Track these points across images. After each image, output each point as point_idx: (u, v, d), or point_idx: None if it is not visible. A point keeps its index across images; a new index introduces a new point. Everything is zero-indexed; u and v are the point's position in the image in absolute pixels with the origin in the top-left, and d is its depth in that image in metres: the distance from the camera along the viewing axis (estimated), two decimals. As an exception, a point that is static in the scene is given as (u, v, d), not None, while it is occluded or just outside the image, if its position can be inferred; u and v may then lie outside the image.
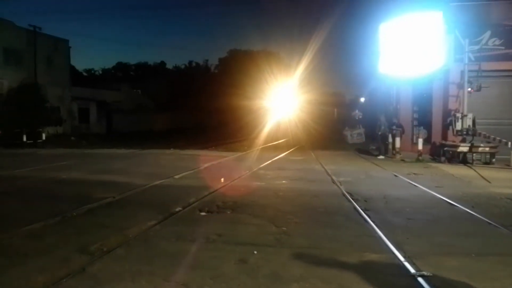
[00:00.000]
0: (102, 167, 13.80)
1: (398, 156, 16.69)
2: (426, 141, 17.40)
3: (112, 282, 4.22)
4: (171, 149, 21.09)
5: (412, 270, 4.48)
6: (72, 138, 28.19)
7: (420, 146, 16.35)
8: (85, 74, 67.17)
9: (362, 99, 39.74)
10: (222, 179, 10.70)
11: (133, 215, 6.98)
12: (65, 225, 6.42)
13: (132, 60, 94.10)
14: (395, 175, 12.04)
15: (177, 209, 7.38)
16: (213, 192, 9.11)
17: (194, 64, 65.72)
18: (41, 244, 5.45)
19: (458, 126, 15.86)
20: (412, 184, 10.56)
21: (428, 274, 4.35)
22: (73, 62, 41.96)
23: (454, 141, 16.04)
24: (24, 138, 22.47)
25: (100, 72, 70.86)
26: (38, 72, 30.47)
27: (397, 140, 17.09)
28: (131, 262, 4.76)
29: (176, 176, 11.54)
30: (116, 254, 5.06)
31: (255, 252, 5.11)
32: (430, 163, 15.27)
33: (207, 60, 65.77)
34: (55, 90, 31.72)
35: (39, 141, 23.31)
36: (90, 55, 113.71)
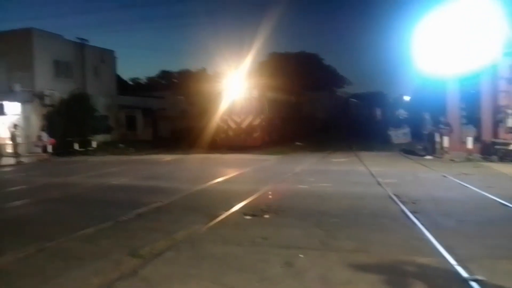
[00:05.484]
0: (149, 173, 14.23)
1: (446, 156, 16.11)
2: (476, 139, 16.70)
3: (163, 284, 4.37)
4: (215, 153, 21.36)
5: (465, 274, 4.33)
6: (121, 145, 29.11)
7: (469, 145, 15.74)
8: (130, 83, 69.43)
9: (407, 98, 38.72)
10: (265, 183, 10.75)
11: (181, 219, 7.16)
12: (116, 230, 6.70)
13: (175, 68, 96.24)
14: (444, 176, 11.63)
15: (222, 213, 7.50)
16: (256, 195, 9.18)
17: (233, 68, 66.17)
18: (95, 247, 5.71)
19: (510, 122, 15.17)
20: (462, 184, 10.17)
21: (482, 278, 4.19)
22: (119, 71, 43.35)
23: (505, 139, 15.31)
24: (76, 146, 23.55)
25: (145, 80, 72.95)
26: (87, 83, 31.80)
27: (445, 139, 16.53)
28: (180, 265, 4.90)
29: (220, 180, 11.72)
30: (166, 257, 5.22)
31: (301, 255, 5.11)
32: (481, 162, 14.64)
33: None
34: (103, 99, 32.94)
35: (89, 149, 24.38)
36: (135, 65, 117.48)
